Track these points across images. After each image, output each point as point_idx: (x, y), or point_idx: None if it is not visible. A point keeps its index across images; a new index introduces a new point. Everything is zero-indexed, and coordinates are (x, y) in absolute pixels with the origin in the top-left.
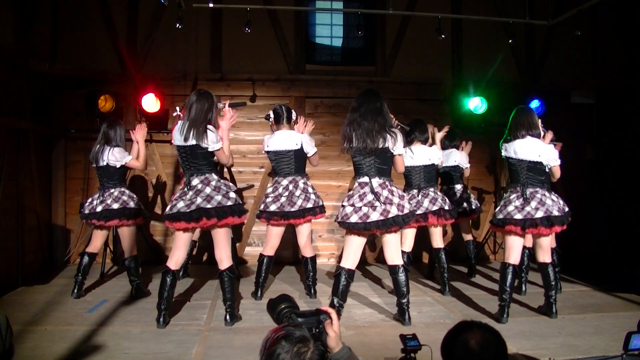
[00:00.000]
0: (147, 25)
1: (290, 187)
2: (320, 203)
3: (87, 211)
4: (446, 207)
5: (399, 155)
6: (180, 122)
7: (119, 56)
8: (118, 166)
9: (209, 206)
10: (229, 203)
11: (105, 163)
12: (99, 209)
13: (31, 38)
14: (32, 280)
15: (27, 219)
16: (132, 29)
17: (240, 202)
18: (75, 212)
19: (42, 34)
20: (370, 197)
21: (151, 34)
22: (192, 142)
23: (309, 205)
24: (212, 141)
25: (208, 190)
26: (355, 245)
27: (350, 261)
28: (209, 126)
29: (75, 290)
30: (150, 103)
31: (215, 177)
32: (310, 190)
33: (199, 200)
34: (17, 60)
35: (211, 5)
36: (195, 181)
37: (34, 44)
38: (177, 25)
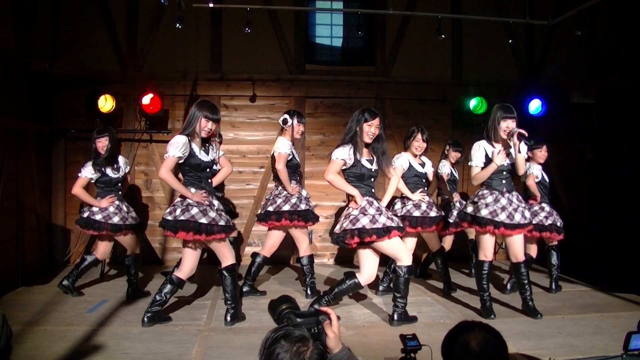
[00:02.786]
0: (147, 25)
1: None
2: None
3: (117, 220)
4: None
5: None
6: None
7: (119, 56)
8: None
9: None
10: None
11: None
12: (129, 220)
13: (31, 38)
14: (32, 280)
15: (27, 219)
16: (132, 29)
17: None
18: (76, 212)
19: (42, 34)
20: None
21: (151, 34)
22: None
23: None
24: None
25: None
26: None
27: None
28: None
29: (65, 280)
30: (150, 103)
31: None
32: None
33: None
34: (17, 60)
35: (211, 5)
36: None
37: (34, 44)
38: (177, 25)
